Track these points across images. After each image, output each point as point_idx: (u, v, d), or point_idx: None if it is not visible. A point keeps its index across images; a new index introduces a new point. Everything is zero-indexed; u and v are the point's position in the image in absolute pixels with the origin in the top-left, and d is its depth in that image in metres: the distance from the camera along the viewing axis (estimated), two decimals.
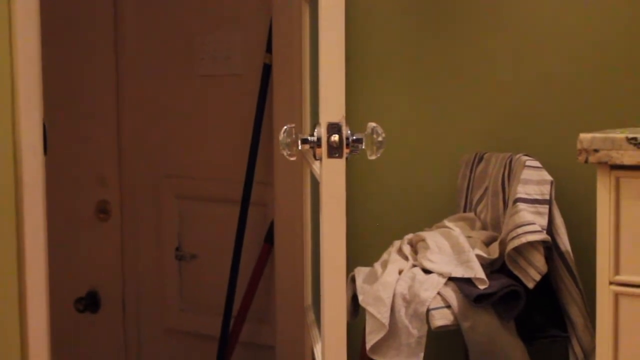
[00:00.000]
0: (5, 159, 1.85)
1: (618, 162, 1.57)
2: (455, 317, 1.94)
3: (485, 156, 2.33)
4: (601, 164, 1.60)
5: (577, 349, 2.04)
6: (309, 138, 1.63)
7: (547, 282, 2.05)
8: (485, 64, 2.44)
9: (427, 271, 2.04)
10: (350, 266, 1.80)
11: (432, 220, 2.36)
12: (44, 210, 1.89)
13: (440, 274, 2.01)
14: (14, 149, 1.85)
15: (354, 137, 1.63)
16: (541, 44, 2.35)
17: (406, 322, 1.96)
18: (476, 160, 2.36)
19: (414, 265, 2.09)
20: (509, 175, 2.16)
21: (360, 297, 2.08)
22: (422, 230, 2.28)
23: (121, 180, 3.37)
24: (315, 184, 2.15)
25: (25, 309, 1.88)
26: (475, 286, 1.96)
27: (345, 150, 1.62)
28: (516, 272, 2.00)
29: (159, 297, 3.35)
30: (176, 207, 3.28)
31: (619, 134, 1.58)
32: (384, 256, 2.22)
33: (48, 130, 1.92)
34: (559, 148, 2.29)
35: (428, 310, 1.94)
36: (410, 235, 2.23)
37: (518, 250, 1.98)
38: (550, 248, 2.01)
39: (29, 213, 1.85)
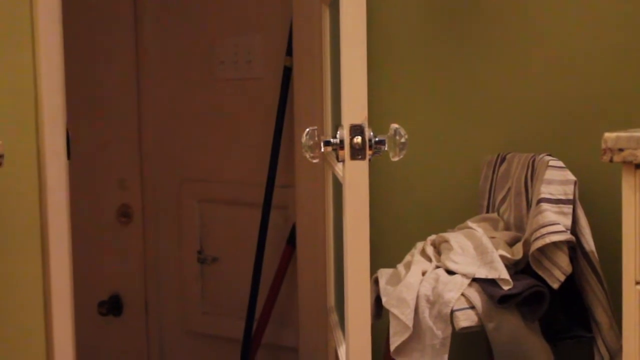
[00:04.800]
0: (30, 165, 1.86)
1: None
2: (480, 318, 1.94)
3: (508, 157, 2.32)
4: (626, 163, 1.59)
5: (603, 349, 2.02)
6: (332, 140, 1.63)
7: (572, 283, 2.04)
8: (507, 64, 2.43)
9: (450, 272, 2.03)
10: (373, 268, 1.80)
11: (455, 221, 2.35)
12: (67, 214, 1.90)
13: (464, 275, 2.00)
14: (38, 155, 1.87)
15: (377, 139, 1.63)
16: (563, 43, 2.34)
17: (430, 323, 1.95)
18: (499, 160, 2.35)
19: (437, 267, 2.08)
20: (532, 175, 2.15)
21: (383, 299, 2.08)
22: (445, 231, 2.28)
23: (142, 184, 3.39)
24: (338, 186, 2.15)
25: (50, 312, 1.89)
26: (499, 287, 1.95)
27: (368, 152, 1.62)
28: (540, 273, 1.99)
29: (181, 300, 3.36)
30: (197, 210, 3.29)
31: None
32: (407, 257, 2.22)
33: (70, 135, 1.93)
34: (582, 148, 2.27)
35: (452, 312, 1.94)
36: (433, 237, 2.22)
37: (542, 250, 1.97)
38: (574, 248, 2.00)
39: (53, 218, 1.86)
